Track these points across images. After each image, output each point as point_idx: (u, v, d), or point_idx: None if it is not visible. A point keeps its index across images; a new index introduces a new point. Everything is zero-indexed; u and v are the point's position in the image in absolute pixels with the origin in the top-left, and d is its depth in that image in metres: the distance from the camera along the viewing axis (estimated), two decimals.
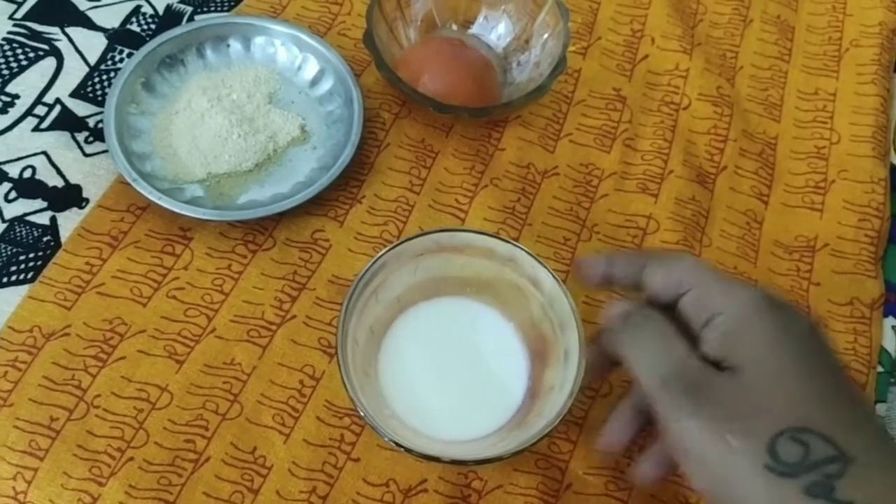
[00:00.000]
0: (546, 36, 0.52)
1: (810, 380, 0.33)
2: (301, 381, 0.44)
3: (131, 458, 0.42)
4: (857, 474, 0.30)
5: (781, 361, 0.33)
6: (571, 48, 0.56)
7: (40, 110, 0.51)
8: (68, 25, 0.54)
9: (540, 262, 0.41)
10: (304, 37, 0.53)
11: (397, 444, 0.37)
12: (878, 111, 0.56)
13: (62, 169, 0.49)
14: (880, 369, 0.48)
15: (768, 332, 0.34)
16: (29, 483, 0.41)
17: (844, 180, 0.53)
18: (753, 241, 0.51)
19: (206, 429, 0.43)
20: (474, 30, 0.55)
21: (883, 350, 0.48)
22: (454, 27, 0.56)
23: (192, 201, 0.48)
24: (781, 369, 0.33)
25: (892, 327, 0.49)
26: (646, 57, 0.57)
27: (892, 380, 0.48)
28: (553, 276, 0.41)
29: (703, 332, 0.35)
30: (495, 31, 0.55)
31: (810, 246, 0.51)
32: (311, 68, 0.53)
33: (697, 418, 0.33)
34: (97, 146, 0.50)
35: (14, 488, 0.41)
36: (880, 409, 0.47)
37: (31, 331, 0.44)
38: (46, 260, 0.46)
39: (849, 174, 0.53)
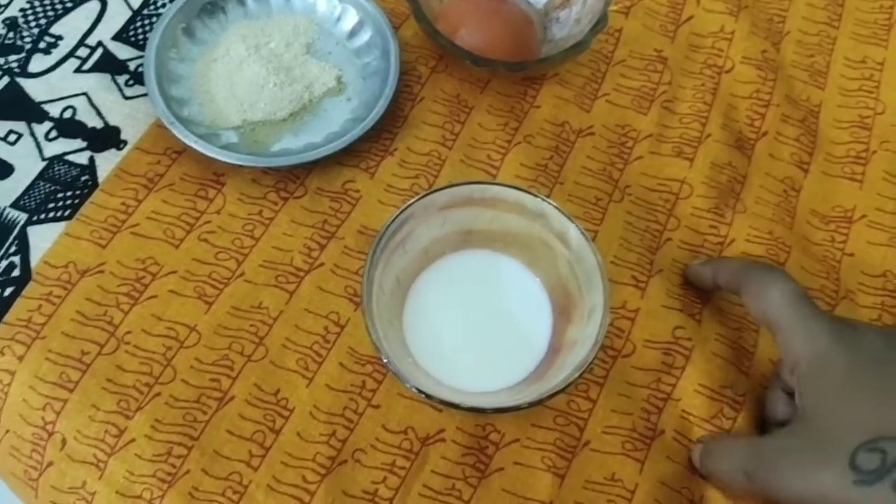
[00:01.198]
0: None
1: (884, 393, 0.36)
2: (326, 328, 0.45)
3: (158, 394, 0.43)
4: None
5: (851, 389, 0.37)
6: (613, 7, 0.55)
7: (83, 52, 0.52)
8: None
9: (569, 218, 0.41)
10: None
11: (418, 389, 0.37)
12: None
13: (102, 111, 0.50)
14: None
15: (838, 366, 0.37)
16: (58, 414, 0.42)
17: (886, 151, 0.52)
18: (790, 208, 0.50)
19: (232, 369, 0.43)
20: None
21: None
22: None
23: (227, 147, 0.48)
24: (851, 396, 0.37)
25: None
26: (690, 18, 0.56)
27: None
28: (581, 232, 0.40)
29: (791, 379, 0.40)
30: None
31: (847, 216, 0.50)
32: (350, 19, 0.53)
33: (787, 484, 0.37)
34: (137, 89, 0.51)
35: (43, 418, 0.42)
36: None
37: (66, 266, 0.45)
38: (84, 199, 0.47)
39: (891, 145, 0.52)
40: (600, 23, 0.49)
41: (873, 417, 0.35)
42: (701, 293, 0.47)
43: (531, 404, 0.37)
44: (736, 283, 0.43)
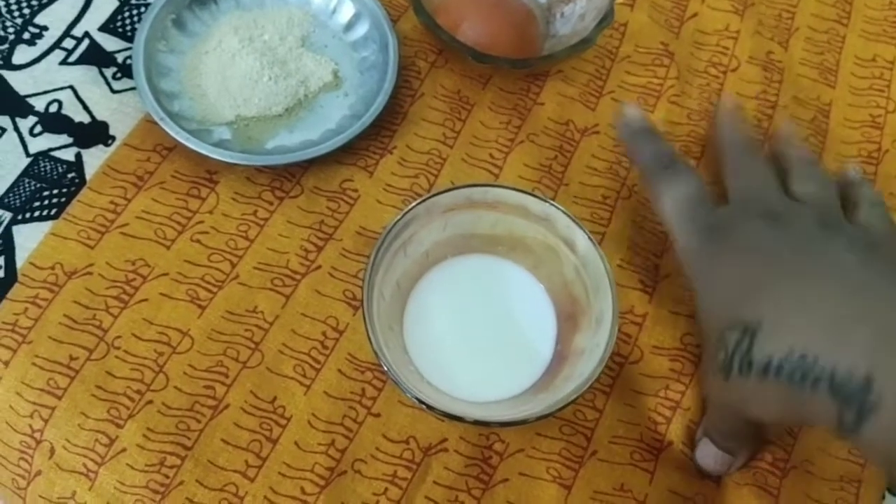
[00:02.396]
0: None
1: (740, 281, 0.38)
2: (324, 333, 0.43)
3: (150, 402, 0.41)
4: (768, 334, 0.34)
5: (718, 276, 0.39)
6: (619, 0, 0.53)
7: (68, 43, 0.50)
8: None
9: (576, 221, 0.40)
10: None
11: (420, 401, 0.36)
12: None
13: (89, 105, 0.48)
14: None
15: (709, 253, 0.40)
16: (45, 421, 0.41)
17: None
18: None
19: (227, 376, 0.42)
20: None
21: None
22: None
23: (220, 144, 0.46)
24: (718, 281, 0.39)
25: None
26: (695, 15, 0.55)
27: None
28: (588, 237, 0.39)
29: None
30: None
31: None
32: (347, 11, 0.51)
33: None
34: (125, 83, 0.49)
35: (31, 426, 0.41)
36: None
37: (52, 268, 0.44)
38: (70, 197, 0.45)
39: None
40: (606, 18, 0.48)
41: (731, 306, 0.37)
42: None
43: (539, 418, 0.36)
44: (644, 179, 0.44)
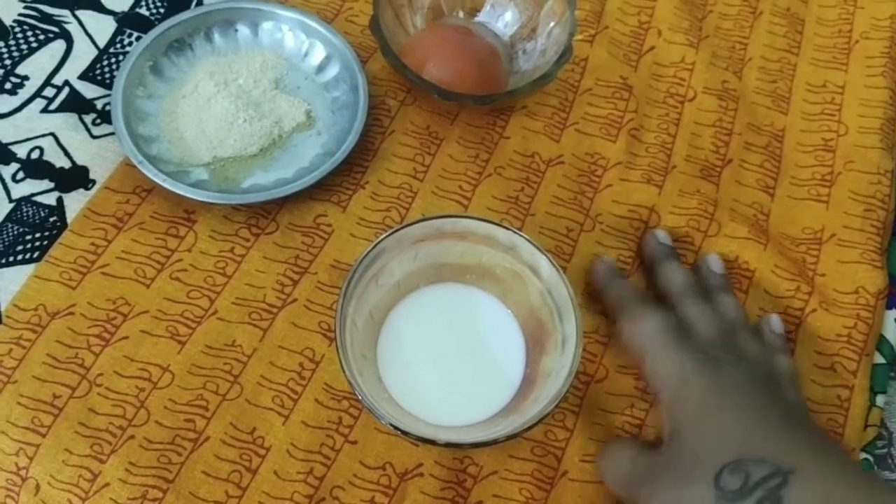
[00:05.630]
0: (552, 24, 0.52)
1: (746, 417, 0.38)
2: (301, 364, 0.44)
3: (132, 437, 0.42)
4: (802, 481, 0.35)
5: (714, 413, 0.39)
6: (578, 36, 0.56)
7: (49, 92, 0.52)
8: (78, 8, 0.55)
9: (539, 249, 0.41)
10: (311, 23, 0.53)
11: (394, 426, 0.37)
12: (887, 104, 0.55)
13: (70, 150, 0.50)
14: (881, 360, 0.48)
15: (700, 391, 0.39)
16: (31, 459, 0.41)
17: (851, 171, 0.53)
18: (761, 232, 0.51)
19: (207, 409, 0.43)
20: (481, 17, 0.55)
21: (885, 341, 0.48)
22: (461, 14, 0.56)
23: (197, 184, 0.48)
24: (714, 419, 0.38)
25: (895, 319, 0.49)
26: (652, 49, 0.57)
27: (893, 373, 0.48)
28: (552, 263, 0.41)
29: (659, 409, 0.42)
30: (502, 18, 0.55)
31: (817, 238, 0.51)
32: (318, 54, 0.53)
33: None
34: (105, 128, 0.51)
35: (16, 464, 0.42)
36: (879, 400, 0.47)
37: (35, 309, 0.45)
38: (52, 240, 0.47)
39: (855, 165, 0.53)
40: (565, 54, 0.50)
41: (735, 438, 0.37)
42: None
43: (508, 437, 0.37)
44: (617, 307, 0.45)
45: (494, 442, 0.37)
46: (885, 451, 0.48)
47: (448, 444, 0.37)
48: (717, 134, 0.54)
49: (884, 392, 0.47)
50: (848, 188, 0.53)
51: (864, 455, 0.46)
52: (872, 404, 0.47)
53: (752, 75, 0.57)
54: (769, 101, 0.56)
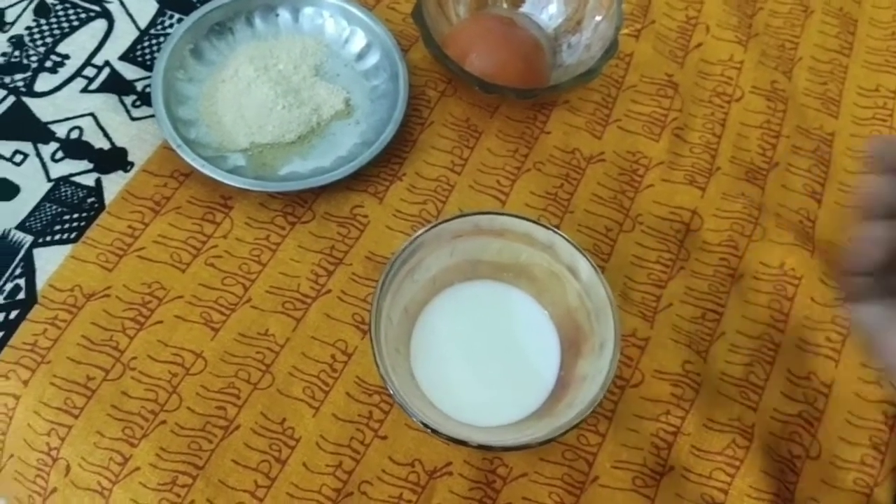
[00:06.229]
0: (598, 18, 0.51)
1: None
2: (333, 356, 0.44)
3: (164, 422, 0.42)
4: None
5: None
6: (624, 31, 0.55)
7: (89, 72, 0.52)
8: None
9: (578, 249, 0.40)
10: (352, 9, 0.52)
11: (425, 425, 0.36)
12: None
13: (109, 131, 0.50)
14: None
15: None
16: (62, 440, 0.42)
17: None
18: (807, 239, 0.50)
19: (238, 397, 0.43)
20: (525, 8, 0.54)
21: None
22: (504, 5, 0.55)
23: (235, 170, 0.48)
24: None
25: None
26: (699, 45, 0.56)
27: None
28: (591, 263, 0.40)
29: None
30: (546, 10, 0.54)
31: None
32: (359, 41, 0.53)
33: None
34: (144, 110, 0.51)
35: (48, 444, 0.42)
36: None
37: (72, 290, 0.45)
38: (90, 221, 0.47)
39: None
40: (611, 49, 0.49)
41: None
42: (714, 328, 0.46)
43: (542, 442, 0.36)
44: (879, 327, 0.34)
45: (527, 446, 0.37)
46: None
47: (480, 446, 0.37)
48: (765, 136, 0.53)
49: None
50: None
51: None
52: None
53: (801, 76, 0.55)
54: (819, 104, 0.54)
